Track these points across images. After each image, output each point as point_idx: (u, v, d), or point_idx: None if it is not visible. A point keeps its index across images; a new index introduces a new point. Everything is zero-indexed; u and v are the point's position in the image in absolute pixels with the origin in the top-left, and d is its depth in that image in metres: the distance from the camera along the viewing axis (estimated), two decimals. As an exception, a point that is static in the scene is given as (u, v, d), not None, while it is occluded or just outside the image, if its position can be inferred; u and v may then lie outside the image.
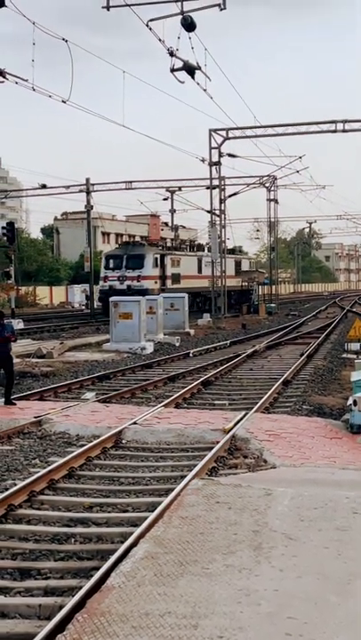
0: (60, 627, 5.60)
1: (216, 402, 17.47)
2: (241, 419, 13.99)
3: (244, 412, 14.76)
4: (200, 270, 56.88)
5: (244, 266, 67.42)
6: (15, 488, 9.47)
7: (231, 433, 12.64)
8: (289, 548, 7.09)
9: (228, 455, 11.64)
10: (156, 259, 49.98)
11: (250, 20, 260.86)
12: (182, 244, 60.89)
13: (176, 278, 52.29)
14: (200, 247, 63.56)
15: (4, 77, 21.76)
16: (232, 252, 64.59)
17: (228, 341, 32.53)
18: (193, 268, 55.97)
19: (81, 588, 6.44)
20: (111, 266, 49.44)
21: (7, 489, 9.63)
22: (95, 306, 51.63)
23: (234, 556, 6.89)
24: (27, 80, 22.70)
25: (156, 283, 49.29)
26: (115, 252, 52.56)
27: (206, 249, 59.40)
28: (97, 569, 6.89)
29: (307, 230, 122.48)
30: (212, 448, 11.61)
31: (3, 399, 16.25)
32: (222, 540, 7.33)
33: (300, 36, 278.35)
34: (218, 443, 11.95)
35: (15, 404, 16.04)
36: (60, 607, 6.13)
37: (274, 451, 11.52)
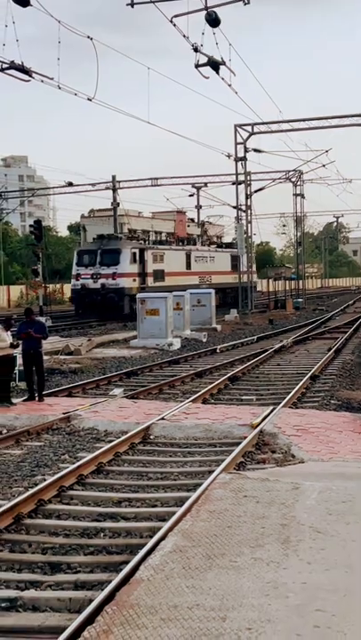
0: (90, 619, 5.65)
1: (243, 397, 17.47)
2: (269, 414, 13.98)
3: (271, 408, 14.74)
4: (189, 266, 52.19)
5: (244, 262, 63.12)
6: (45, 483, 9.56)
7: (259, 428, 12.64)
8: (317, 542, 7.10)
9: (256, 450, 11.64)
10: (135, 254, 44.79)
11: (273, 14, 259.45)
12: (182, 240, 55.94)
13: (159, 275, 47.34)
14: (221, 244, 61.70)
15: (30, 76, 21.87)
16: (230, 245, 61.64)
17: (256, 337, 32.47)
18: (180, 263, 50.96)
19: (110, 581, 6.50)
20: (84, 262, 44.66)
21: (37, 484, 9.73)
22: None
23: (262, 549, 6.91)
24: (52, 78, 22.82)
25: (134, 281, 44.35)
26: (88, 247, 47.47)
27: (199, 243, 56.89)
28: (126, 562, 6.94)
29: (334, 224, 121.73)
30: (239, 443, 11.63)
31: (27, 396, 16.42)
32: (250, 533, 7.35)
33: (324, 28, 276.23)
34: (246, 438, 11.96)
35: (44, 401, 16.19)
36: (90, 600, 6.19)
37: (302, 445, 11.51)
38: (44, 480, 9.91)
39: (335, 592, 5.96)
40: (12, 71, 21.51)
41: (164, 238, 53.72)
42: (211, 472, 9.91)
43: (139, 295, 30.73)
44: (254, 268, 60.30)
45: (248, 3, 20.94)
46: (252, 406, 15.77)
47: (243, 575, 6.31)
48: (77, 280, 44.30)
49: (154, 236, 53.12)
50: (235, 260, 58.26)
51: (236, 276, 57.07)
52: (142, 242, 48.45)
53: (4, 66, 21.14)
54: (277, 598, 5.84)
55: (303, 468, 10.34)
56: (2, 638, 5.98)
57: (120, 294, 42.23)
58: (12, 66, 21.33)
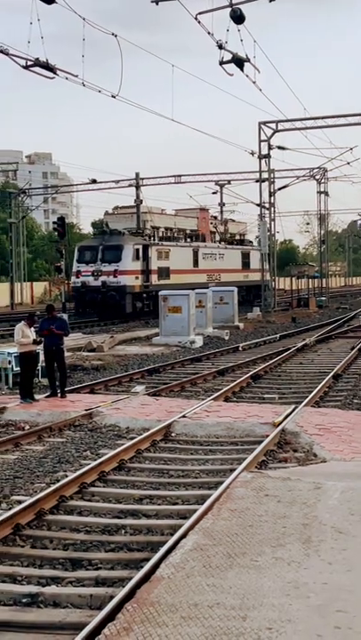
0: (111, 616, 5.67)
1: (266, 395, 17.44)
2: (291, 412, 13.94)
3: (293, 406, 14.70)
4: (196, 264, 49.92)
5: (255, 259, 58.41)
6: (66, 480, 9.60)
7: (281, 427, 12.61)
8: (339, 542, 7.07)
9: (278, 449, 11.61)
10: (137, 250, 42.60)
11: (299, 11, 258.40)
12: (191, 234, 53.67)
13: (164, 273, 45.09)
14: (242, 241, 60.49)
15: (55, 73, 21.94)
16: (241, 242, 60.42)
17: (278, 335, 32.39)
18: (187, 261, 48.72)
19: (131, 578, 6.50)
20: (85, 258, 42.63)
21: (59, 480, 9.78)
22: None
23: (283, 548, 6.89)
24: (77, 75, 22.90)
25: (137, 278, 42.25)
26: (89, 243, 45.60)
27: (210, 240, 54.68)
28: (147, 560, 6.96)
29: (358, 223, 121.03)
30: (261, 442, 11.59)
31: (49, 392, 16.50)
32: (271, 532, 7.33)
33: (349, 23, 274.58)
34: (267, 436, 11.93)
35: (66, 397, 16.26)
36: (111, 597, 6.20)
37: (324, 445, 11.46)
38: (66, 476, 9.94)
39: (356, 593, 5.92)
40: (36, 68, 21.59)
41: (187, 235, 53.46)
42: (232, 470, 9.90)
43: (161, 292, 30.63)
44: (267, 267, 59.57)
45: (273, 0, 20.87)
46: (274, 405, 15.74)
47: (264, 574, 6.29)
48: (78, 277, 42.44)
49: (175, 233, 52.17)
50: (246, 258, 57.32)
51: (247, 273, 56.31)
52: (147, 237, 46.43)
53: (29, 63, 21.21)
54: (298, 598, 5.82)
55: (325, 467, 10.30)
56: (23, 634, 6.02)
57: (121, 292, 40.55)
58: (37, 63, 21.41)
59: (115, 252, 41.41)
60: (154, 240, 46.13)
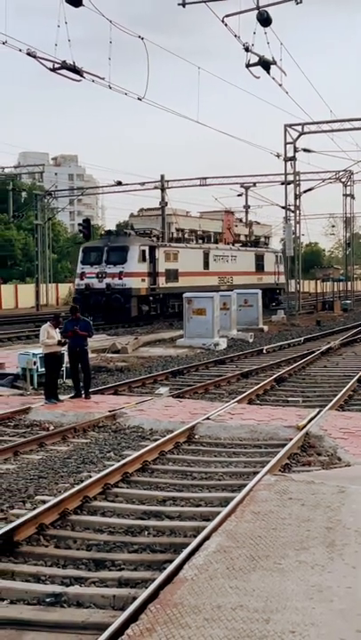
0: (134, 617, 5.68)
1: (290, 399, 17.38)
2: (315, 416, 13.89)
3: (317, 410, 14.64)
4: (207, 266, 48.16)
5: (269, 261, 58.01)
6: (90, 480, 9.63)
7: (305, 430, 12.57)
8: (363, 546, 7.04)
9: (302, 452, 11.58)
10: (144, 252, 40.86)
11: (324, 11, 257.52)
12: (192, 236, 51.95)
13: (172, 275, 43.47)
14: (257, 243, 59.24)
15: (81, 76, 22.05)
16: (255, 244, 58.77)
17: (302, 338, 32.29)
18: (197, 263, 46.94)
19: (154, 579, 6.51)
20: (90, 260, 40.93)
21: (82, 481, 9.82)
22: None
23: (307, 552, 6.87)
24: (103, 78, 23.02)
25: (143, 281, 40.65)
26: (93, 244, 43.82)
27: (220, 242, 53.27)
28: (170, 561, 6.96)
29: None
30: (285, 445, 11.57)
31: (74, 393, 16.57)
32: (295, 535, 7.32)
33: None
34: (291, 440, 11.91)
35: (90, 398, 16.32)
36: (134, 598, 6.21)
37: (348, 449, 11.41)
38: (90, 477, 9.98)
39: (381, 598, 5.89)
40: (63, 71, 21.71)
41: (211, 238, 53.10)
42: (256, 473, 9.88)
43: (185, 294, 30.62)
44: (281, 269, 58.15)
45: (300, 2, 20.84)
46: (298, 408, 15.69)
47: (287, 578, 6.28)
48: (82, 279, 40.72)
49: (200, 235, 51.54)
50: (260, 260, 55.75)
51: (261, 276, 54.63)
52: (155, 238, 44.96)
53: (56, 65, 21.34)
54: (322, 602, 5.80)
55: (349, 471, 10.25)
56: (46, 633, 6.05)
57: (126, 295, 39.08)
58: (64, 66, 21.53)
59: (120, 254, 40.11)
60: (162, 241, 44.90)
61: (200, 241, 51.21)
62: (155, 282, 41.45)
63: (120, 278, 39.16)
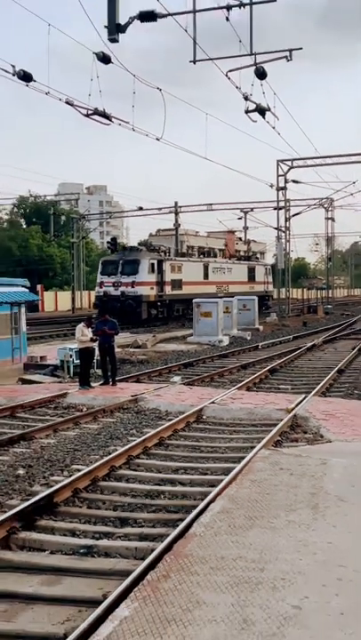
0: (152, 565, 5.69)
1: (281, 386, 17.34)
2: (302, 401, 13.85)
3: (304, 395, 14.60)
4: (206, 276, 47.23)
5: (260, 273, 56.74)
6: (116, 453, 9.63)
7: (293, 412, 12.53)
8: (341, 508, 7.01)
9: (291, 430, 11.54)
10: (153, 264, 40.36)
11: (314, 67, 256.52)
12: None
13: (177, 285, 42.80)
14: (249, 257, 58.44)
15: (110, 120, 22.05)
16: (248, 258, 57.91)
17: (291, 336, 32.17)
18: (197, 274, 46.09)
19: (169, 535, 6.51)
20: (107, 271, 40.60)
21: (110, 453, 9.82)
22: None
23: (294, 513, 6.85)
24: (128, 122, 23.03)
25: (152, 289, 40.03)
26: (111, 258, 43.41)
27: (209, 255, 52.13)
28: (182, 520, 6.95)
29: (359, 243, 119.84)
30: (277, 424, 11.54)
31: (103, 381, 16.58)
32: (285, 499, 7.30)
33: (354, 78, 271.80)
34: (282, 420, 11.87)
35: (117, 385, 16.33)
36: (152, 550, 6.22)
37: (329, 428, 11.37)
38: (116, 450, 9.98)
39: (355, 551, 5.87)
40: (95, 116, 21.71)
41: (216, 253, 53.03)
42: (252, 448, 9.86)
43: (194, 300, 30.61)
44: (270, 279, 58.10)
45: (291, 59, 20.76)
46: (287, 394, 15.65)
47: (278, 534, 6.27)
48: (101, 287, 40.33)
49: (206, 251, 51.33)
50: (252, 272, 55.05)
51: (252, 285, 53.90)
52: (164, 253, 43.79)
53: (90, 112, 21.34)
54: (307, 555, 5.79)
55: (330, 446, 10.21)
56: (81, 578, 6.06)
57: (138, 301, 38.44)
58: (96, 112, 21.53)
59: (133, 266, 39.66)
60: (168, 256, 43.94)
61: (202, 255, 50.65)
62: (162, 290, 41.03)
63: (132, 287, 38.95)
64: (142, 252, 41.80)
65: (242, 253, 59.74)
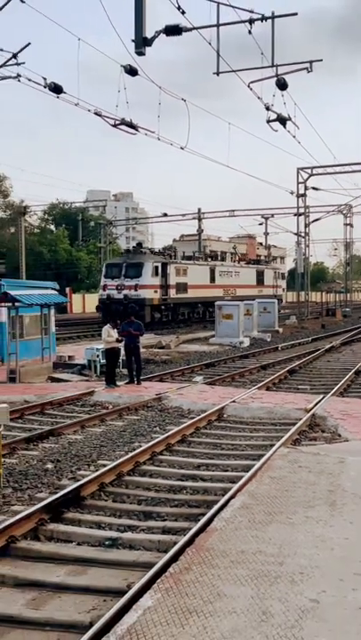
0: (175, 558, 5.68)
1: (300, 386, 17.24)
2: (320, 401, 13.75)
3: (322, 396, 14.50)
4: (213, 280, 45.31)
5: (268, 276, 54.76)
6: (141, 449, 9.65)
7: (312, 412, 12.45)
8: (358, 505, 6.94)
9: (309, 429, 11.47)
10: (156, 267, 38.49)
11: (332, 78, 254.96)
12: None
13: (182, 288, 40.87)
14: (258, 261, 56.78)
15: (137, 130, 22.14)
16: (257, 262, 56.15)
17: (310, 338, 31.97)
18: (203, 277, 44.13)
19: (191, 529, 6.50)
20: (111, 274, 38.77)
21: (134, 449, 9.84)
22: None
23: (313, 509, 6.80)
24: (153, 132, 23.11)
25: (155, 292, 38.21)
26: (114, 261, 41.57)
27: (222, 260, 50.53)
28: (203, 515, 6.93)
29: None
30: (295, 423, 11.48)
31: (128, 380, 16.61)
32: (303, 496, 7.25)
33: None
34: (301, 419, 11.80)
35: (141, 384, 16.36)
36: (175, 543, 6.21)
37: (347, 427, 11.27)
38: (140, 446, 10.00)
39: (372, 547, 5.81)
40: (122, 126, 21.81)
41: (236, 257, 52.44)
42: (272, 446, 9.81)
43: (217, 303, 30.54)
44: (280, 283, 56.78)
45: (311, 71, 20.66)
46: (306, 394, 15.55)
47: (297, 530, 6.22)
48: (104, 290, 38.49)
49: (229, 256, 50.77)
50: (260, 275, 53.07)
51: (261, 289, 52.20)
52: (169, 256, 41.80)
53: (117, 122, 21.45)
54: (325, 550, 5.74)
55: (348, 445, 10.12)
56: (106, 569, 6.08)
57: (141, 304, 35.24)
58: (123, 122, 21.62)
59: (136, 269, 37.87)
60: (173, 259, 41.83)
61: (209, 259, 48.82)
62: (166, 293, 39.27)
63: (136, 290, 37.21)
64: (146, 255, 40.15)
65: (263, 258, 59.56)
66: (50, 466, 9.24)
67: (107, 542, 6.60)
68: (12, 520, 6.71)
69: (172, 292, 39.67)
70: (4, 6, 16.42)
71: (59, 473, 8.94)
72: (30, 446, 10.44)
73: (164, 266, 39.27)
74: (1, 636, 4.97)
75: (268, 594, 4.90)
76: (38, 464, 9.35)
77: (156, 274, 38.46)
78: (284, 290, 61.00)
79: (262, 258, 59.39)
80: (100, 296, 39.20)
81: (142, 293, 37.13)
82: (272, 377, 17.88)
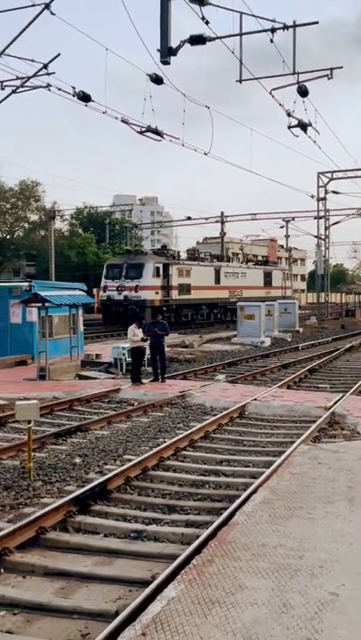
0: (198, 550, 5.68)
1: (319, 385, 17.12)
2: (339, 399, 13.64)
3: (342, 394, 14.38)
4: (218, 281, 43.10)
5: (277, 277, 52.46)
6: (165, 444, 9.66)
7: (331, 410, 12.36)
8: (377, 502, 6.88)
9: (329, 427, 11.38)
10: (158, 268, 36.64)
11: (350, 84, 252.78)
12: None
13: (185, 289, 38.87)
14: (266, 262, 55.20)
15: (162, 136, 22.17)
16: (265, 263, 54.39)
17: (330, 338, 31.74)
18: (208, 278, 42.02)
19: (213, 522, 6.49)
20: (111, 275, 37.06)
21: (159, 445, 9.85)
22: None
23: (332, 505, 6.76)
24: (178, 138, 23.13)
25: (156, 294, 36.34)
26: (115, 262, 39.74)
27: (225, 261, 47.60)
28: (225, 509, 6.92)
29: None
30: (315, 421, 11.40)
31: (152, 378, 16.64)
32: (323, 492, 7.20)
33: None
34: (320, 417, 11.72)
35: (165, 382, 16.38)
36: (198, 536, 6.21)
37: (365, 425, 11.17)
38: (165, 442, 10.01)
39: (391, 543, 5.75)
40: (148, 133, 21.86)
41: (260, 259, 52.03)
42: (292, 443, 9.77)
43: (238, 303, 30.42)
44: (289, 284, 54.85)
45: (331, 77, 20.48)
46: (326, 393, 15.44)
47: (316, 524, 6.19)
48: (105, 292, 36.88)
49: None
50: (268, 276, 50.84)
51: (269, 290, 49.88)
52: (171, 257, 39.99)
53: (143, 129, 21.50)
54: (344, 544, 5.70)
55: (366, 443, 10.04)
56: (131, 560, 6.10)
57: (141, 306, 34.14)
58: (149, 129, 21.67)
59: (136, 270, 36.17)
60: (176, 260, 39.85)
61: (214, 260, 46.12)
62: (168, 294, 37.31)
63: (136, 291, 35.48)
64: (147, 256, 38.39)
65: (283, 260, 59.27)
66: (78, 460, 9.30)
67: (132, 534, 6.63)
68: (41, 512, 6.77)
69: (175, 294, 37.95)
70: (34, 19, 16.56)
71: (86, 467, 8.99)
72: (59, 441, 10.52)
73: (166, 267, 37.53)
74: (31, 623, 5.02)
75: (288, 586, 4.88)
76: (67, 458, 9.41)
77: (158, 275, 36.78)
78: (299, 291, 59.93)
79: (283, 260, 59.02)
80: (101, 297, 37.81)
81: (142, 295, 35.55)
82: (292, 376, 17.79)
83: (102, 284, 37.65)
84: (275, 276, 52.02)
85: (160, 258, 38.19)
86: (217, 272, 43.12)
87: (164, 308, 36.92)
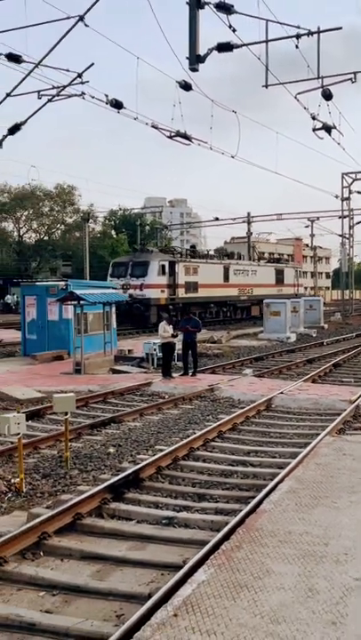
0: (227, 536, 5.69)
1: (344, 379, 16.95)
2: (363, 392, 13.50)
3: (365, 388, 14.23)
4: (227, 279, 40.51)
5: (289, 275, 49.29)
6: (194, 436, 9.68)
7: (356, 403, 12.24)
8: None
9: (353, 420, 11.28)
10: (163, 266, 34.61)
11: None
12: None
13: (192, 287, 36.65)
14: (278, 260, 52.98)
15: (190, 141, 22.15)
16: (277, 261, 51.97)
17: (354, 334, 31.36)
18: (216, 276, 39.47)
19: (241, 510, 6.50)
20: (116, 273, 35.25)
21: (189, 436, 9.88)
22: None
23: (356, 494, 6.70)
24: (206, 142, 23.08)
25: (162, 292, 34.39)
26: (120, 260, 37.93)
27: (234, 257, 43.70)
28: (253, 498, 6.92)
29: None
30: (340, 414, 11.31)
31: (182, 372, 16.66)
32: (347, 482, 7.14)
33: None
34: (345, 410, 11.62)
35: (196, 376, 16.39)
36: (226, 523, 6.22)
37: (389, 418, 11.03)
38: (194, 433, 10.03)
39: None
40: (177, 138, 21.87)
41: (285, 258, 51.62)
42: (317, 434, 9.71)
43: (265, 300, 30.24)
44: (299, 281, 52.19)
45: (355, 81, 20.22)
46: (350, 386, 15.28)
47: (341, 513, 6.14)
48: None
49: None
50: (280, 274, 47.91)
51: (280, 288, 46.89)
52: (180, 255, 38.00)
53: (172, 134, 21.51)
54: (368, 533, 5.64)
55: (390, 435, 9.91)
56: (163, 545, 6.13)
57: (146, 304, 33.21)
58: (178, 134, 21.65)
59: (142, 268, 34.28)
60: (183, 257, 37.66)
61: (225, 257, 42.99)
62: (174, 292, 35.20)
63: (141, 289, 33.59)
64: (153, 254, 36.26)
65: (309, 259, 58.78)
66: (112, 450, 9.38)
67: (164, 521, 6.66)
68: (78, 499, 6.85)
69: (181, 292, 35.87)
70: (69, 31, 16.64)
71: (120, 456, 9.06)
72: (94, 432, 10.62)
73: (172, 264, 35.47)
74: (69, 603, 5.09)
75: (313, 572, 4.86)
76: (101, 448, 9.49)
77: (163, 273, 34.77)
78: (324, 288, 58.81)
79: (308, 259, 58.50)
80: None
81: (148, 293, 33.72)
82: (318, 370, 17.65)
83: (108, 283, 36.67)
84: (287, 274, 49.44)
85: (166, 256, 36.53)
86: (226, 270, 40.86)
87: (170, 307, 35.09)
